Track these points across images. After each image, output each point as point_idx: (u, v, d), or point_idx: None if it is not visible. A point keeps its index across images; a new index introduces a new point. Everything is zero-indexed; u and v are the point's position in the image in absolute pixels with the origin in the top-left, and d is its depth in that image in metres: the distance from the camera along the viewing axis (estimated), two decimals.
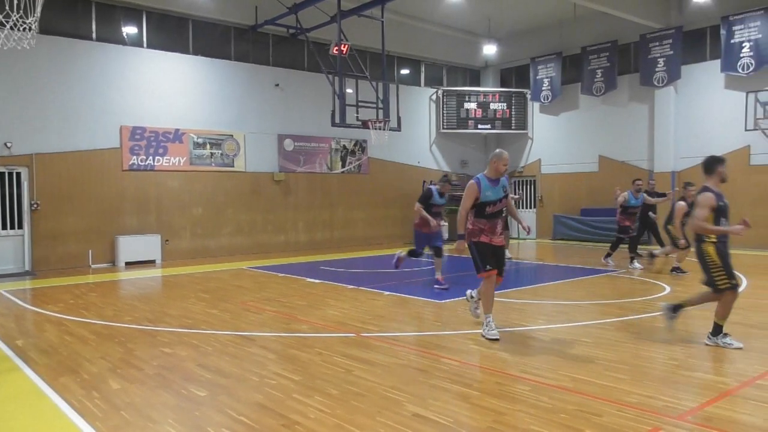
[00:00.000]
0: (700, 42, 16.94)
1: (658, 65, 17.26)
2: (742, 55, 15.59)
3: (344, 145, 18.25)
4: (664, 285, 9.93)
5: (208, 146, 15.64)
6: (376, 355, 5.90)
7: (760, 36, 15.23)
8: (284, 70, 17.10)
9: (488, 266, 6.42)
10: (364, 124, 14.84)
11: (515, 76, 21.72)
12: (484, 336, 6.44)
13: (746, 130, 15.68)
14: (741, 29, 15.56)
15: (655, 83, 17.36)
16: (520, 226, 7.25)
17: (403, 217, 19.30)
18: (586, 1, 15.39)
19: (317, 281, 11.05)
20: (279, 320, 7.77)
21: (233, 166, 16.10)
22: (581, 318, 7.50)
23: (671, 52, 17.00)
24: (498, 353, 5.99)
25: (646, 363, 5.58)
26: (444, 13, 18.26)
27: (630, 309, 8.04)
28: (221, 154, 15.88)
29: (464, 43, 20.84)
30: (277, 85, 16.82)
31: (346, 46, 14.31)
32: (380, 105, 14.83)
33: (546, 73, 20.14)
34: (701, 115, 16.69)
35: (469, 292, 7.14)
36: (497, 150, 6.71)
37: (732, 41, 15.73)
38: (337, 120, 14.34)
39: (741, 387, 4.81)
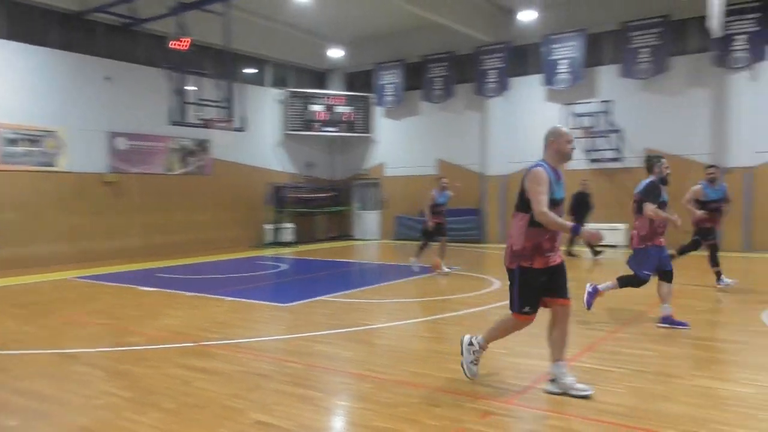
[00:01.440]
0: (526, 57, 18.54)
1: (490, 77, 18.61)
2: (558, 71, 17.34)
3: (184, 145, 17.36)
4: (493, 279, 10.69)
5: (24, 143, 14.02)
6: (216, 364, 5.66)
7: (575, 55, 17.04)
8: (116, 62, 15.85)
9: (527, 308, 4.66)
10: (206, 124, 14.25)
11: (361, 80, 22.18)
12: (555, 392, 4.66)
13: None
14: (559, 48, 17.30)
15: (488, 94, 18.70)
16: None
17: (248, 219, 18.84)
18: (425, 13, 16.14)
19: (153, 289, 10.37)
20: (108, 334, 7.18)
21: (54, 166, 14.60)
22: (421, 314, 7.83)
23: (502, 65, 18.44)
24: (342, 353, 6.04)
25: None
26: (291, 13, 18.12)
27: (464, 303, 8.55)
28: (40, 152, 14.32)
29: (311, 45, 20.86)
30: (108, 78, 15.55)
31: (187, 40, 13.62)
32: (223, 104, 14.33)
33: (389, 79, 20.82)
34: (526, 124, 18.26)
35: (467, 338, 5.04)
36: (554, 127, 4.90)
37: (551, 58, 17.43)
38: (176, 118, 13.61)
39: None
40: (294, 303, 8.76)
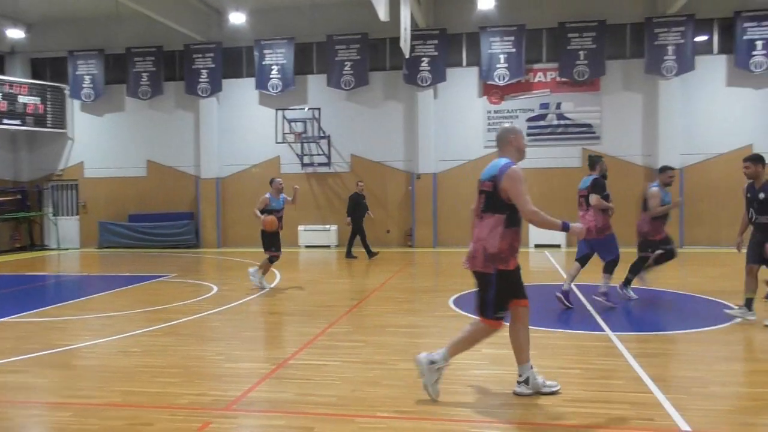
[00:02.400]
0: (239, 60, 18.47)
1: (202, 76, 18.08)
2: (271, 76, 17.70)
3: None
4: (211, 285, 10.41)
5: None
6: None
7: (285, 62, 17.57)
8: None
9: (501, 313, 4.51)
10: None
11: (50, 68, 19.47)
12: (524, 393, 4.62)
13: (277, 142, 17.87)
14: (271, 53, 17.65)
15: (200, 93, 18.13)
16: None
17: None
18: (127, 0, 14.90)
19: None
20: None
21: None
22: (130, 328, 7.18)
23: (213, 66, 18.05)
24: (34, 381, 5.19)
25: (196, 363, 5.70)
26: None
27: (179, 312, 8.13)
28: None
29: None
30: None
31: None
32: None
33: (87, 70, 18.70)
34: (242, 127, 18.22)
35: (425, 357, 4.64)
36: (509, 125, 4.92)
37: (263, 63, 17.69)
38: None
39: (277, 369, 5.38)
40: None
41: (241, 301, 8.79)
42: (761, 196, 6.94)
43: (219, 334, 6.91)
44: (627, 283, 8.51)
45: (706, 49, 16.18)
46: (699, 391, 4.63)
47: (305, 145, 17.72)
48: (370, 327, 7.19)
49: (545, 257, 14.30)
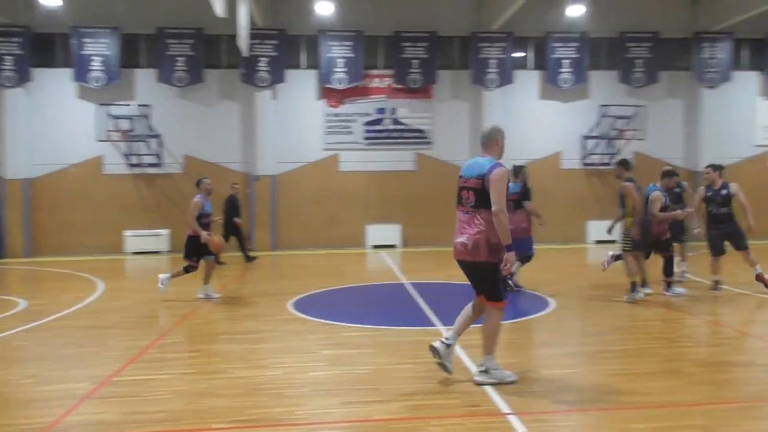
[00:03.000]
0: (53, 47, 16.68)
1: (6, 63, 16.04)
2: (91, 68, 16.21)
3: None
4: (18, 300, 9.24)
5: None
6: None
7: (109, 53, 16.19)
8: None
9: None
10: None
11: None
12: (502, 381, 4.84)
13: (99, 140, 16.41)
14: (91, 42, 16.17)
15: (4, 83, 16.07)
16: None
17: None
18: None
19: None
20: None
21: None
22: None
23: (21, 52, 16.11)
24: None
25: (2, 388, 5.03)
26: None
27: None
28: None
29: None
30: None
31: None
32: None
33: None
34: (57, 122, 16.44)
35: (441, 343, 4.95)
36: (494, 125, 5.25)
37: (83, 53, 16.15)
38: None
39: (98, 388, 4.92)
40: None
41: (55, 316, 7.93)
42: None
43: (29, 354, 6.17)
44: (669, 285, 8.73)
45: (523, 64, 17.79)
46: (518, 377, 5.04)
47: (132, 144, 16.50)
48: (204, 335, 6.88)
49: (381, 258, 14.75)
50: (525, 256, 9.21)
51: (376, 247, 16.85)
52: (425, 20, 17.17)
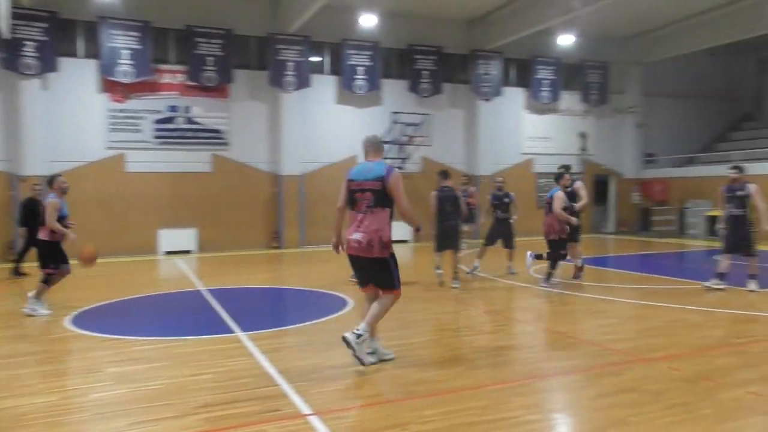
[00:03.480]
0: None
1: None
2: None
3: None
4: None
5: None
6: None
7: None
8: None
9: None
10: None
11: None
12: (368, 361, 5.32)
13: None
14: None
15: None
16: None
17: None
18: None
19: None
20: None
21: None
22: None
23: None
24: None
25: None
26: None
27: None
28: None
29: None
30: None
31: None
32: None
33: None
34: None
35: (351, 336, 5.22)
36: (375, 134, 6.22)
37: None
38: None
39: None
40: None
41: None
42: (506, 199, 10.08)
43: None
44: (549, 276, 9.63)
45: (320, 69, 18.12)
46: (317, 377, 5.10)
47: None
48: None
49: (175, 264, 13.92)
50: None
51: (169, 253, 15.87)
52: (219, 17, 16.60)
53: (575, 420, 4.29)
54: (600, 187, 21.68)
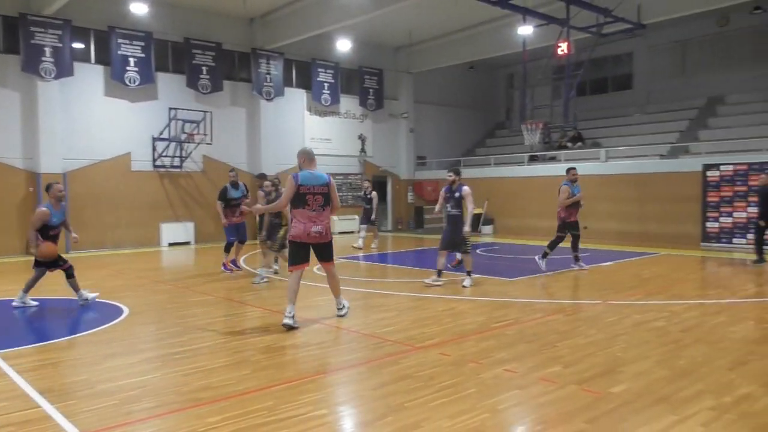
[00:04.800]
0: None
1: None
2: None
3: None
4: None
5: None
6: None
7: None
8: None
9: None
10: None
11: None
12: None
13: None
14: None
15: None
16: None
17: None
18: None
19: None
20: None
21: None
22: None
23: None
24: None
25: None
26: None
27: None
28: None
29: None
30: None
31: None
32: None
33: None
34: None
35: (289, 321, 6.97)
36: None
37: None
38: None
39: None
40: None
41: None
42: (457, 194, 9.64)
43: None
44: (544, 255, 11.00)
45: (84, 57, 16.40)
46: (86, 393, 4.67)
47: None
48: None
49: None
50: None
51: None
52: None
53: (359, 411, 4.50)
54: (379, 188, 23.03)
